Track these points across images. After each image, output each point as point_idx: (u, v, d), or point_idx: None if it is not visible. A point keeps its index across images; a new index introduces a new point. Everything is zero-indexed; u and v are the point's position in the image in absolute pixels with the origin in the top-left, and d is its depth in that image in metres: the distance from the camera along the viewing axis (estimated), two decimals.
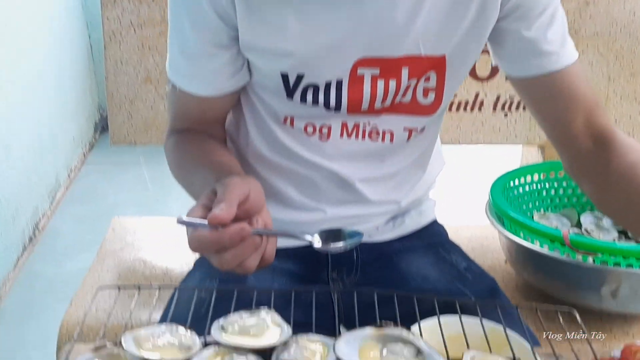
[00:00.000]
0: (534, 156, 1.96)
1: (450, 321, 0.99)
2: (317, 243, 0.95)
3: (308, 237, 0.95)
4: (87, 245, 2.56)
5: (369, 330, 0.85)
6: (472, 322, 0.99)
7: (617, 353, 1.10)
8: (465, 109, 1.87)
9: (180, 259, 1.73)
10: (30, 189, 3.10)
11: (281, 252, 1.31)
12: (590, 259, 1.36)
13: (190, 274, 1.35)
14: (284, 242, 1.32)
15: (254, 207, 0.92)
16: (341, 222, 1.27)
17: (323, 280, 1.30)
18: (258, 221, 0.90)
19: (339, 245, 0.94)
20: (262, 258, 0.92)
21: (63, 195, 3.51)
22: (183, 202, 1.10)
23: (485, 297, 1.25)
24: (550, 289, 1.46)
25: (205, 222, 0.85)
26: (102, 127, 4.25)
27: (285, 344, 0.84)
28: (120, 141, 1.93)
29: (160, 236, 1.86)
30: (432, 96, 1.18)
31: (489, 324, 0.96)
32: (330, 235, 0.96)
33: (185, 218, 0.87)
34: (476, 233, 1.84)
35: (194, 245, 0.87)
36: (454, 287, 1.27)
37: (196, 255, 1.34)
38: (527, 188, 1.71)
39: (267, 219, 0.95)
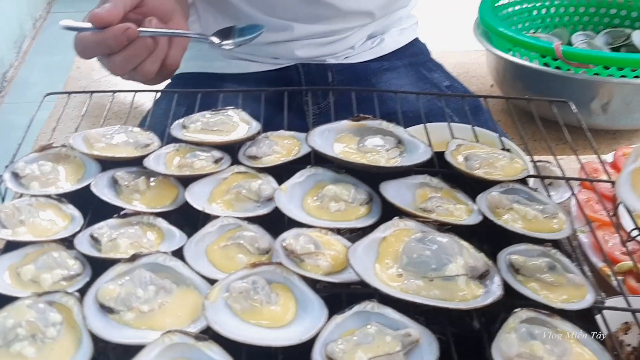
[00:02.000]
0: None
1: (435, 126, 0.92)
2: (216, 40, 0.89)
3: (210, 38, 0.89)
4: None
5: (345, 123, 0.77)
6: (458, 127, 0.93)
7: (609, 158, 1.06)
8: None
9: (150, 95, 1.64)
10: None
11: (252, 77, 1.23)
12: (582, 72, 1.28)
13: (156, 102, 1.27)
14: (255, 67, 1.25)
15: (153, 11, 0.83)
16: (313, 41, 1.19)
17: (297, 104, 1.22)
18: (152, 22, 0.81)
19: (229, 42, 0.90)
20: (164, 64, 0.84)
21: (30, 45, 3.34)
22: None
23: (468, 115, 1.19)
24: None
25: (89, 25, 0.77)
26: None
27: (253, 140, 0.77)
28: None
29: None
30: None
31: (479, 129, 0.90)
32: (227, 33, 0.91)
33: (67, 22, 0.79)
34: (461, 59, 1.75)
35: (78, 49, 0.79)
36: (435, 106, 1.19)
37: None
38: (516, 7, 1.60)
39: (179, 27, 0.87)
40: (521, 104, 1.34)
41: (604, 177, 0.93)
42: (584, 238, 0.92)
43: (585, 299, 0.58)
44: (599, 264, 0.88)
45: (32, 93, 2.94)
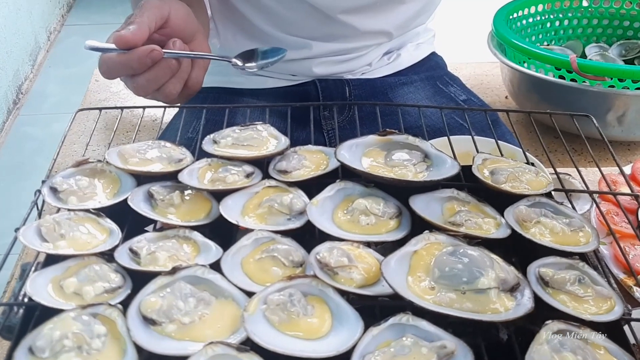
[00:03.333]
0: None
1: (456, 139, 0.94)
2: (239, 62, 0.91)
3: (233, 60, 0.91)
4: (74, 106, 2.47)
5: (372, 138, 0.79)
6: (480, 140, 0.94)
7: (627, 169, 1.07)
8: None
9: (168, 109, 1.66)
10: (8, 51, 2.97)
11: (269, 92, 1.25)
12: (597, 84, 1.30)
13: (176, 115, 1.29)
14: (272, 82, 1.26)
15: (177, 32, 0.85)
16: (330, 59, 1.21)
17: (315, 119, 1.24)
18: (175, 44, 0.82)
19: (252, 64, 0.92)
20: (187, 85, 0.85)
21: (44, 57, 3.38)
22: None
23: (486, 129, 1.20)
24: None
25: (113, 46, 0.78)
26: None
27: (282, 154, 0.79)
28: None
29: None
30: None
31: (501, 143, 0.91)
32: (251, 55, 0.93)
33: (92, 42, 0.80)
34: (476, 70, 1.77)
35: (102, 69, 0.81)
36: (451, 120, 1.21)
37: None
38: (530, 20, 1.61)
39: (201, 47, 0.89)
40: (537, 115, 1.35)
41: (625, 189, 0.95)
42: (604, 250, 0.93)
43: (613, 310, 0.59)
44: (620, 275, 0.89)
45: (47, 105, 2.98)
